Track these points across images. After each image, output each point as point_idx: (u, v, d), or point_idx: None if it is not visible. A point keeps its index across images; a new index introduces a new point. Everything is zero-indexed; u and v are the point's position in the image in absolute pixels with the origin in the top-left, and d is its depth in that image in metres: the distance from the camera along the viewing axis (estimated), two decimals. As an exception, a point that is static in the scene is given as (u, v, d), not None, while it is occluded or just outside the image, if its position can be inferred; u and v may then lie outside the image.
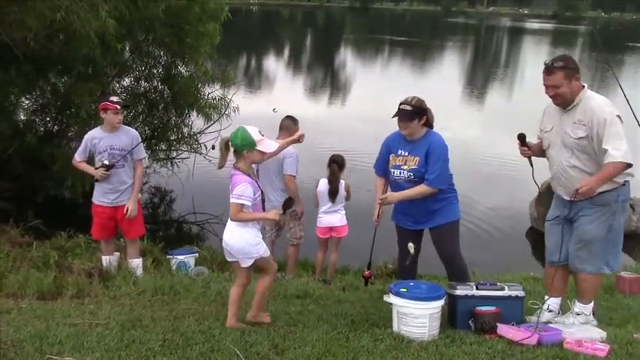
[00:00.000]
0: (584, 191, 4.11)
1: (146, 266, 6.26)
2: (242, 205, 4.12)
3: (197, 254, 7.09)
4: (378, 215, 5.06)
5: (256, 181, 4.27)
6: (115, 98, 5.84)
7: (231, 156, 4.28)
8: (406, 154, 4.91)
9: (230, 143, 4.19)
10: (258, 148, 4.14)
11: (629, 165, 4.15)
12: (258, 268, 4.42)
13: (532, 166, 4.76)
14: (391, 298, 4.26)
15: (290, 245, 6.91)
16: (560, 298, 4.80)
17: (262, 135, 4.18)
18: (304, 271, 7.17)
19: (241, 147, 4.12)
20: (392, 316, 4.30)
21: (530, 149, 4.68)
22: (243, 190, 4.10)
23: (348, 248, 7.13)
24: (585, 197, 4.20)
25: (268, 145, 4.22)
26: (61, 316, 4.55)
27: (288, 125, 6.68)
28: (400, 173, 4.93)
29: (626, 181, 4.36)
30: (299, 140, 4.78)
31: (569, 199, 4.39)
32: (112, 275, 5.71)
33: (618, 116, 4.20)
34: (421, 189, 4.83)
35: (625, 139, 4.15)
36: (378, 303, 4.78)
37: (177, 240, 8.77)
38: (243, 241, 4.24)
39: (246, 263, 4.30)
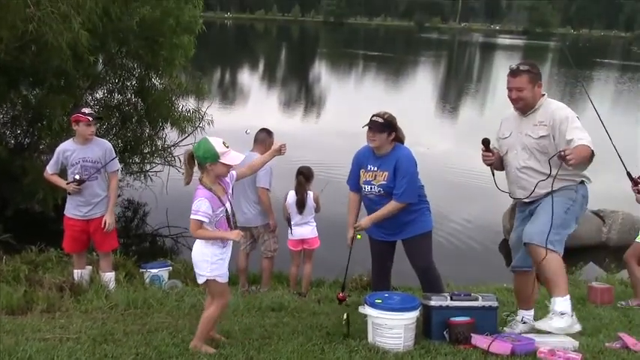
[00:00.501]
0: (572, 155, 3.96)
1: (119, 280, 6.18)
2: (199, 220, 3.87)
3: (171, 267, 7.04)
4: (352, 241, 5.04)
5: (220, 198, 3.94)
6: (87, 110, 5.76)
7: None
8: (375, 169, 4.94)
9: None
10: (221, 160, 3.87)
11: (594, 154, 4.11)
12: (209, 291, 4.15)
13: (494, 174, 4.74)
14: (366, 310, 4.27)
15: (264, 258, 6.88)
16: (532, 310, 4.83)
17: (227, 147, 3.90)
18: (279, 283, 7.14)
19: (203, 159, 3.87)
20: (367, 328, 4.30)
21: (494, 155, 4.61)
22: (198, 206, 3.85)
23: (323, 261, 7.15)
24: (572, 162, 3.98)
25: (233, 157, 3.92)
26: (30, 330, 4.46)
27: (263, 138, 6.68)
28: (371, 189, 4.96)
29: (582, 181, 4.36)
30: (280, 151, 4.45)
31: (528, 201, 4.43)
32: (83, 289, 5.61)
33: (578, 118, 4.27)
34: (391, 207, 4.85)
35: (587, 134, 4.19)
36: (354, 314, 4.77)
37: (151, 253, 8.71)
38: (201, 255, 3.99)
39: (199, 280, 4.07)
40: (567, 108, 4.39)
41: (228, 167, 3.97)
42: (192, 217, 3.87)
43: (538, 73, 4.41)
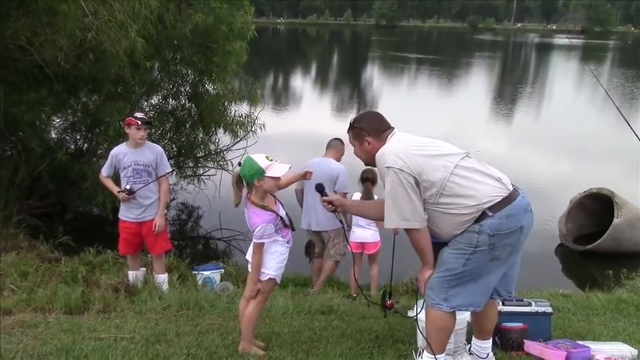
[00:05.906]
0: (422, 287, 3.78)
1: (172, 281, 6.30)
2: (263, 244, 3.95)
3: (222, 270, 7.11)
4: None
5: (273, 210, 3.96)
6: (138, 114, 5.86)
7: None
8: None
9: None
10: (267, 174, 3.86)
11: (415, 228, 3.52)
12: (262, 289, 4.10)
13: (346, 227, 4.37)
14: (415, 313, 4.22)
15: (332, 261, 6.94)
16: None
17: (270, 160, 3.89)
18: (329, 287, 7.14)
19: (250, 177, 3.87)
20: (416, 332, 4.26)
21: (333, 204, 4.08)
22: (263, 231, 3.90)
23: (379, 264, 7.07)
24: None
25: (278, 168, 3.90)
26: (87, 330, 4.59)
27: (335, 144, 6.92)
28: None
29: (484, 212, 3.45)
30: (305, 177, 4.53)
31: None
32: (138, 290, 5.75)
33: (388, 167, 3.48)
34: None
35: (397, 193, 3.46)
36: (403, 319, 4.73)
37: (204, 256, 8.84)
38: (269, 252, 4.01)
39: (262, 276, 4.05)
40: (383, 155, 3.59)
41: (276, 180, 3.95)
42: (255, 241, 3.94)
43: (364, 128, 3.71)
